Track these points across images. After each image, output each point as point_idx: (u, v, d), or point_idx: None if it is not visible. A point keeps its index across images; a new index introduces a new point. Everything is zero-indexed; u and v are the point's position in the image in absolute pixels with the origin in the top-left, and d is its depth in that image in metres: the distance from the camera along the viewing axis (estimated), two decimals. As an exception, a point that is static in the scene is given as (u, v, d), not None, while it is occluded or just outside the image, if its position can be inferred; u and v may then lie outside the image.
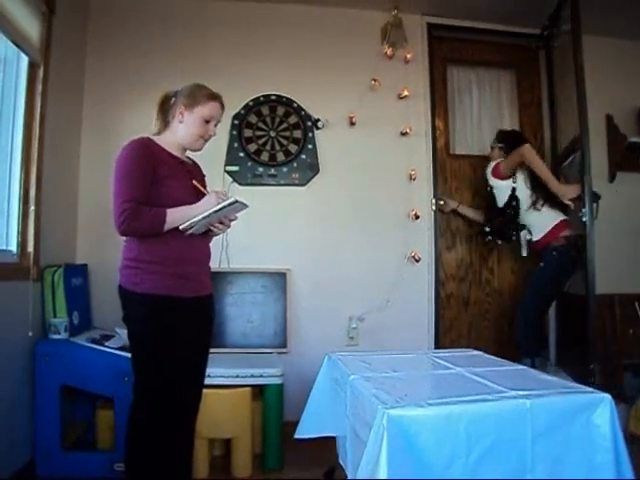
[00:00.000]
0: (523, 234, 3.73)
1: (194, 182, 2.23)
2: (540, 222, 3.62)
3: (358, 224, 3.91)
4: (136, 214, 2.05)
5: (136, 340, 2.17)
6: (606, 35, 4.24)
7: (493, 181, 3.77)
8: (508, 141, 3.78)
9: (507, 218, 3.68)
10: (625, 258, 4.18)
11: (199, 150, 2.35)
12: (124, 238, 2.20)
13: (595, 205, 3.39)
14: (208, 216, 2.12)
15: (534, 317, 3.59)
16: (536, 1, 3.83)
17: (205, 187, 2.36)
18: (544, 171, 3.56)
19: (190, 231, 2.14)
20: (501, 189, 3.72)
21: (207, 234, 2.27)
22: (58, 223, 3.33)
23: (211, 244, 2.39)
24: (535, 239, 3.66)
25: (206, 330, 2.36)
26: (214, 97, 2.29)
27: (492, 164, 3.78)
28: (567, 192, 3.49)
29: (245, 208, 2.16)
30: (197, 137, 2.28)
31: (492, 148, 3.87)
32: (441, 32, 4.17)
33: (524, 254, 3.80)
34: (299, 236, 3.86)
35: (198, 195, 2.21)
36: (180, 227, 2.12)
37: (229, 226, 2.27)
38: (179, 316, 2.15)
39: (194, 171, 2.38)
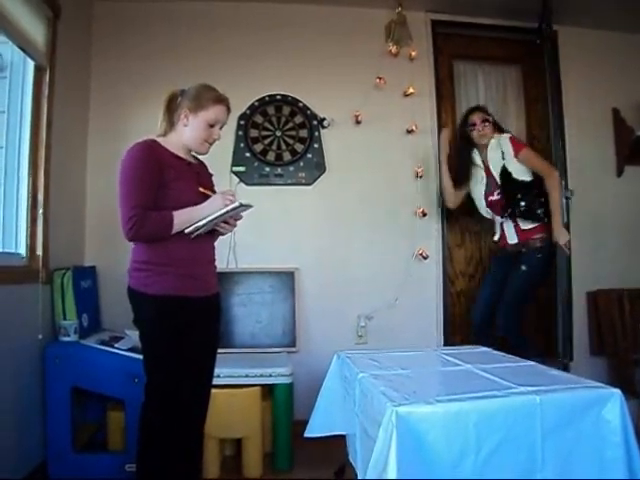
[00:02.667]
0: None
1: (201, 189, 2.22)
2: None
3: (365, 222, 3.91)
4: (143, 221, 2.05)
5: (147, 341, 2.18)
6: (612, 29, 4.23)
7: (514, 162, 3.42)
8: (492, 115, 3.64)
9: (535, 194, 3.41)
10: (634, 252, 4.16)
11: (205, 153, 2.34)
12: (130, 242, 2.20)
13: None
14: (213, 220, 2.12)
15: (517, 319, 3.44)
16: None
17: (213, 186, 2.37)
18: (559, 201, 3.36)
19: (196, 233, 2.15)
20: (521, 170, 3.43)
21: (212, 234, 2.27)
22: (66, 226, 3.35)
23: (218, 244, 2.39)
24: (526, 227, 3.42)
25: (215, 329, 2.38)
26: (219, 100, 2.26)
27: (506, 141, 3.47)
28: (563, 236, 3.33)
29: (250, 208, 2.16)
30: (202, 141, 2.27)
31: (485, 121, 3.55)
32: (445, 29, 4.15)
33: (496, 239, 3.61)
34: (306, 235, 3.86)
35: (206, 197, 2.21)
36: (185, 231, 2.12)
37: (235, 226, 2.27)
38: (189, 316, 2.16)
39: (201, 171, 2.38)
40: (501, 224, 3.55)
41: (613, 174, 4.25)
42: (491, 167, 3.52)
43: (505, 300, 3.42)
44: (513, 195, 3.42)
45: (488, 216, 3.64)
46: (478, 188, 3.61)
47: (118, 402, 3.00)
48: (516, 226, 3.47)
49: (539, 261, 3.38)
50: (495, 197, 3.51)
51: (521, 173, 3.43)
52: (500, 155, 3.47)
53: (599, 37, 4.26)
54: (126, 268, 2.24)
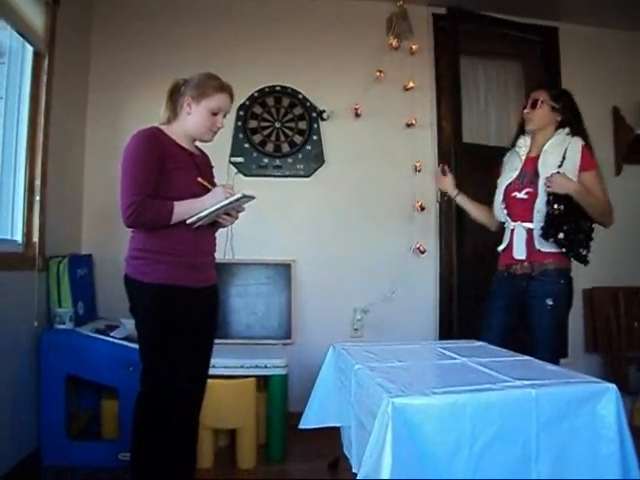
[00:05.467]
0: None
1: (199, 179, 2.22)
2: None
3: (363, 215, 3.91)
4: (143, 207, 2.05)
5: (144, 330, 2.17)
6: (613, 27, 4.23)
7: (572, 176, 2.68)
8: (568, 107, 2.84)
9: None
10: (630, 251, 4.17)
11: (209, 141, 2.34)
12: (129, 228, 2.19)
13: None
14: (215, 210, 2.12)
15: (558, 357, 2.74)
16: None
17: (213, 178, 2.36)
18: (594, 202, 2.71)
19: (197, 224, 2.14)
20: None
21: (214, 225, 2.27)
22: (63, 213, 3.34)
23: (216, 235, 2.38)
24: (542, 249, 2.71)
25: (212, 320, 2.37)
26: (222, 89, 2.25)
27: (577, 146, 2.71)
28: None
29: (252, 200, 2.16)
30: (205, 129, 2.26)
31: (536, 102, 2.82)
32: (447, 23, 4.12)
33: (501, 248, 2.90)
34: (304, 227, 3.86)
35: (205, 188, 2.21)
36: (187, 221, 2.12)
37: (237, 217, 2.27)
38: (187, 306, 2.16)
39: (202, 163, 2.36)
40: (512, 231, 2.83)
41: (612, 173, 4.24)
42: (540, 162, 2.76)
43: (540, 354, 2.47)
44: (558, 214, 2.65)
45: (499, 218, 2.92)
46: (504, 177, 2.92)
47: (112, 390, 2.99)
48: (529, 240, 2.75)
49: (564, 288, 2.73)
50: (521, 195, 2.78)
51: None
52: (560, 157, 2.71)
53: (600, 35, 4.26)
54: (123, 257, 2.23)
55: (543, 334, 2.69)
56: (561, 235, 2.64)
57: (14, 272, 2.70)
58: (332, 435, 2.49)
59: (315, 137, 3.89)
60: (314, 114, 3.90)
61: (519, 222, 2.79)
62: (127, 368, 2.77)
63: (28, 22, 2.76)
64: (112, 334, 3.02)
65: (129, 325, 2.86)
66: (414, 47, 3.93)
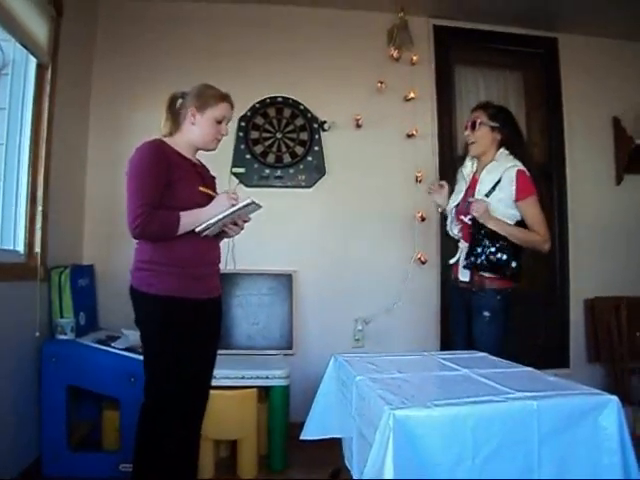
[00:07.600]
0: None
1: (201, 188, 2.24)
2: None
3: (364, 226, 3.91)
4: (150, 218, 2.06)
5: (150, 341, 2.18)
6: (614, 37, 4.24)
7: (506, 203, 2.76)
8: (508, 125, 2.89)
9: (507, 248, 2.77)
10: (632, 261, 4.17)
11: (214, 150, 2.37)
12: (135, 240, 2.20)
13: None
14: (224, 218, 2.13)
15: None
16: (543, 4, 3.84)
17: (215, 189, 2.38)
18: (519, 235, 2.77)
19: (205, 233, 2.15)
20: (506, 213, 2.77)
21: (219, 236, 2.28)
22: (65, 224, 3.34)
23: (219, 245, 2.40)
24: (483, 274, 2.81)
25: (216, 331, 2.38)
26: (223, 98, 2.30)
27: (512, 173, 2.73)
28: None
29: (259, 209, 2.16)
30: (211, 137, 2.30)
31: (474, 124, 2.87)
32: (448, 34, 4.15)
33: (451, 262, 3.04)
34: (305, 238, 3.86)
35: (209, 198, 2.22)
36: (196, 229, 2.13)
37: (243, 228, 2.28)
38: (193, 317, 2.17)
39: (204, 173, 2.39)
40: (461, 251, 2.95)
41: (612, 182, 4.26)
42: (477, 188, 2.85)
43: None
44: (479, 239, 2.78)
45: (454, 235, 3.05)
46: (453, 197, 3.04)
47: (114, 401, 2.99)
48: None
49: (500, 303, 2.78)
50: (466, 220, 2.86)
51: (502, 215, 2.76)
52: (494, 183, 2.78)
53: (600, 45, 4.27)
54: (124, 267, 2.25)
55: (483, 346, 2.74)
56: (465, 263, 2.82)
57: (16, 282, 2.71)
58: (333, 446, 2.47)
59: (316, 148, 3.90)
60: (315, 125, 3.91)
61: (466, 245, 2.89)
62: (128, 379, 2.77)
63: (32, 34, 2.78)
64: (113, 344, 3.02)
65: (130, 336, 2.87)
66: (415, 58, 3.95)
